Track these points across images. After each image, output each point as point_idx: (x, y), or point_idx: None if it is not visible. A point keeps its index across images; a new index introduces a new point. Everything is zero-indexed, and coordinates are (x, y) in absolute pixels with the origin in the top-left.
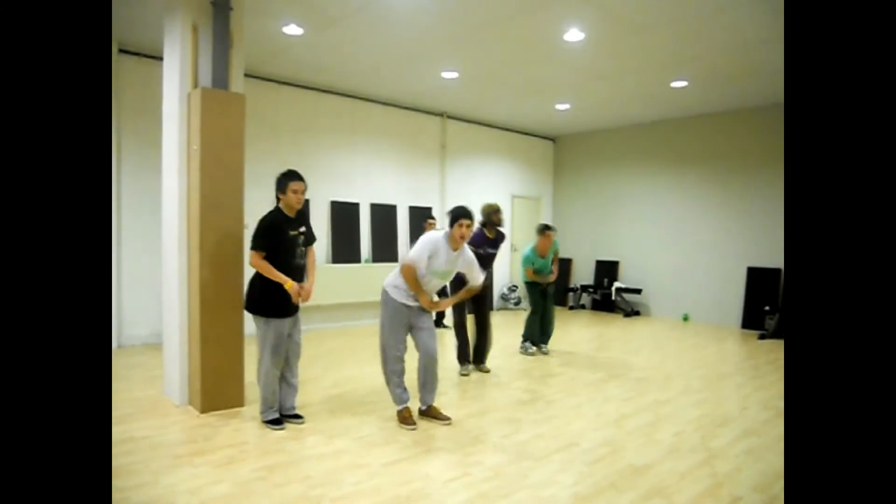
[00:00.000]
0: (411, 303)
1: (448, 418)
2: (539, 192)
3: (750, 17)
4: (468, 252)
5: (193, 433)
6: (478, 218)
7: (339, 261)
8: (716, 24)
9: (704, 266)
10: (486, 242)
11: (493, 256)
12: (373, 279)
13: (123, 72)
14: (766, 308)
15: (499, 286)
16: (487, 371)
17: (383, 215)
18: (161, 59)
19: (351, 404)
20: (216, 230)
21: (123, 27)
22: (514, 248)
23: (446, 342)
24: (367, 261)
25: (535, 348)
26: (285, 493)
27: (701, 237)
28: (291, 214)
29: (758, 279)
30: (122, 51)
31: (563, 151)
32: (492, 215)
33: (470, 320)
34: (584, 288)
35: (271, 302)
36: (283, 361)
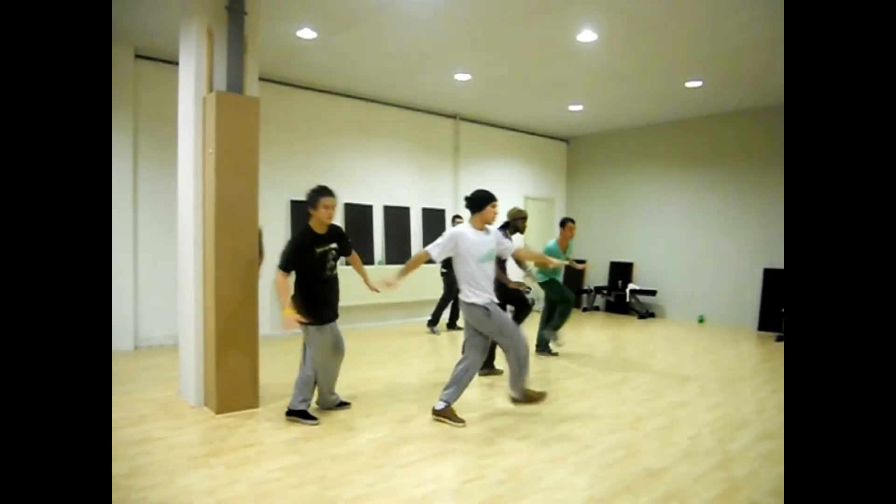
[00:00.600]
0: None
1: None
2: (552, 193)
3: (764, 15)
4: (492, 229)
5: (209, 434)
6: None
7: None
8: (730, 24)
9: (720, 267)
10: None
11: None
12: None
13: (140, 77)
14: (784, 310)
15: None
16: (500, 373)
17: (397, 217)
18: (177, 63)
19: (365, 406)
20: (231, 232)
21: (140, 33)
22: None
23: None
24: (380, 263)
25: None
26: (300, 493)
27: (716, 238)
28: (321, 230)
29: (774, 280)
30: (138, 56)
31: (576, 152)
32: (518, 221)
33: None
34: (598, 290)
35: (311, 311)
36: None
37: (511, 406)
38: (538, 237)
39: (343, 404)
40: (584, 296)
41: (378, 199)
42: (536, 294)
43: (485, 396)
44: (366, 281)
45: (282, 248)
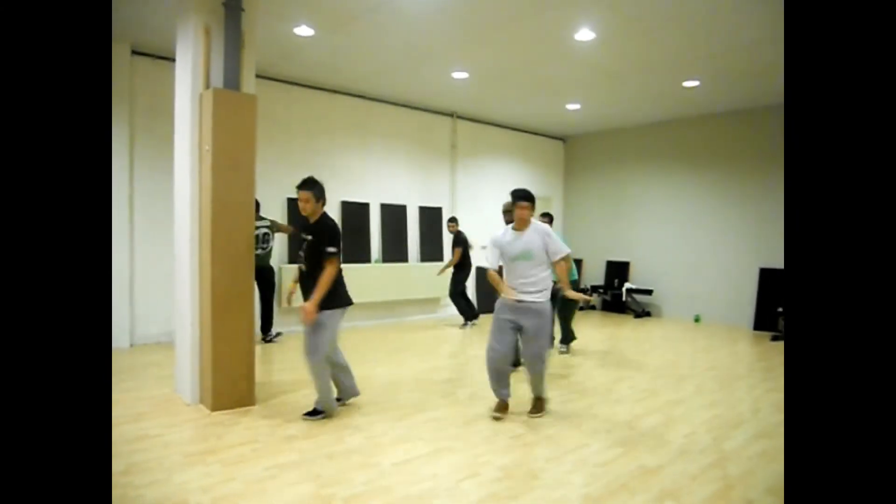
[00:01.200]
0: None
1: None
2: (549, 192)
3: (761, 15)
4: (539, 226)
5: (205, 431)
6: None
7: (350, 261)
8: (727, 23)
9: (716, 267)
10: None
11: None
12: (383, 279)
13: (137, 73)
14: (780, 310)
15: None
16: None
17: (394, 215)
18: (174, 60)
19: (362, 404)
20: (228, 229)
21: (137, 29)
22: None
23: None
24: (377, 261)
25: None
26: (296, 491)
27: (713, 237)
28: (309, 219)
29: (770, 280)
30: (135, 52)
31: (573, 151)
32: (505, 215)
33: None
34: (595, 288)
35: (343, 291)
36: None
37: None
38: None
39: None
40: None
41: (375, 197)
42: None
43: (479, 395)
44: (315, 296)
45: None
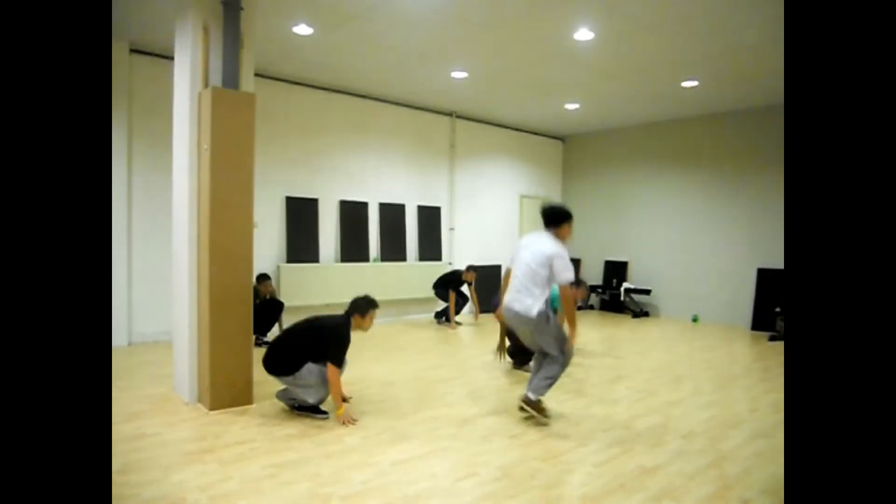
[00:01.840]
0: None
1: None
2: (548, 192)
3: (760, 16)
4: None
5: (203, 430)
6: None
7: (348, 260)
8: (726, 24)
9: (714, 267)
10: None
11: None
12: (381, 278)
13: (135, 71)
14: (777, 309)
15: None
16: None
17: (392, 215)
18: (172, 58)
19: (360, 403)
20: (226, 229)
21: (135, 27)
22: None
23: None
24: (375, 260)
25: None
26: (294, 490)
27: (711, 238)
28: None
29: (768, 280)
30: (133, 51)
31: (572, 151)
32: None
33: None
34: (593, 288)
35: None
36: None
37: (506, 404)
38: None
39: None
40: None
41: (374, 197)
42: None
43: (478, 395)
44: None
45: (332, 342)
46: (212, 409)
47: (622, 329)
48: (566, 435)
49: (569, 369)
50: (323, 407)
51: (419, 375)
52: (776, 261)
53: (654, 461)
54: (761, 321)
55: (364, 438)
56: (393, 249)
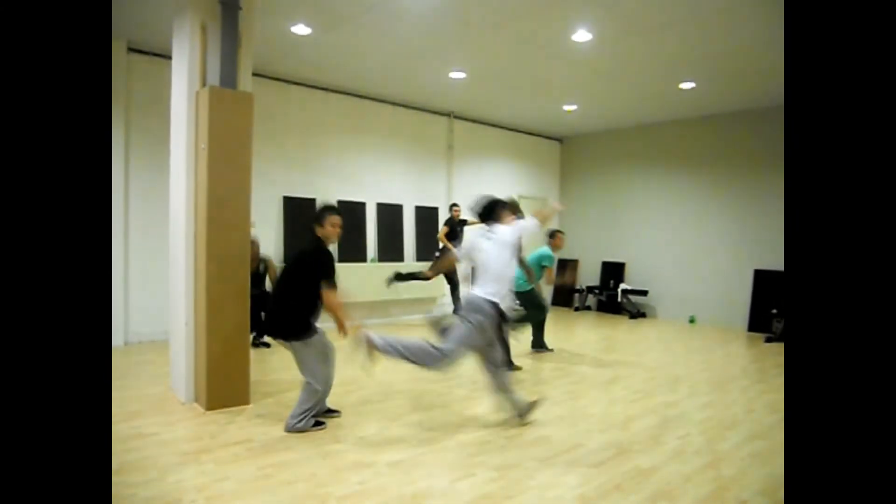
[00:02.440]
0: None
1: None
2: (545, 192)
3: (758, 17)
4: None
5: (200, 430)
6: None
7: (345, 260)
8: (724, 25)
9: (711, 268)
10: None
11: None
12: (379, 278)
13: (133, 70)
14: (774, 311)
15: None
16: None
17: (390, 215)
18: (170, 57)
19: (356, 404)
20: (223, 228)
21: (133, 26)
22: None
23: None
24: (373, 260)
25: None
26: (291, 491)
27: (708, 239)
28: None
29: (765, 282)
30: (131, 49)
31: (569, 152)
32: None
33: None
34: (590, 289)
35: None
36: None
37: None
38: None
39: (331, 412)
40: (576, 295)
41: (371, 197)
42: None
43: (474, 395)
44: None
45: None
46: (208, 408)
47: (619, 330)
48: (563, 436)
49: (566, 369)
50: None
51: (416, 375)
52: (773, 262)
53: (651, 462)
54: (758, 323)
55: (361, 438)
56: (390, 250)
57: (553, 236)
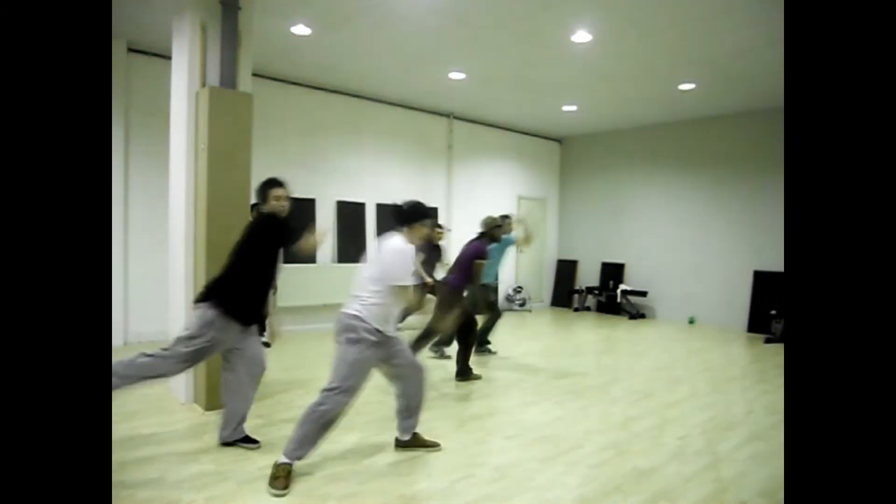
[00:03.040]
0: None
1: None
2: (545, 193)
3: (758, 19)
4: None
5: (199, 430)
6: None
7: (345, 260)
8: (724, 26)
9: (711, 269)
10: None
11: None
12: None
13: (133, 71)
14: (773, 312)
15: (504, 287)
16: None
17: (389, 215)
18: (170, 58)
19: (357, 405)
20: (223, 228)
21: (133, 26)
22: (519, 250)
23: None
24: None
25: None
26: (290, 491)
27: (708, 240)
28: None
29: (764, 283)
30: (131, 50)
31: (569, 153)
32: (494, 230)
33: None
34: (590, 290)
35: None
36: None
37: (503, 405)
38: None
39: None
40: (576, 296)
41: (371, 197)
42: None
43: (474, 396)
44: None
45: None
46: (208, 409)
47: (618, 331)
48: (563, 436)
49: (565, 371)
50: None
51: None
52: (772, 264)
53: (651, 463)
54: (757, 323)
55: (361, 439)
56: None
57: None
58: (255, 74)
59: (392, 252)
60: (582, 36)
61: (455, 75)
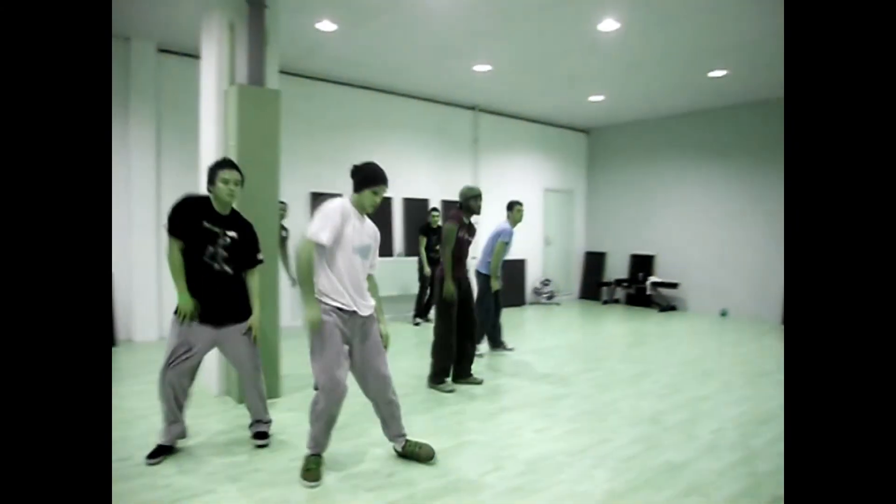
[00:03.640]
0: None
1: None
2: (572, 185)
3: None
4: (371, 224)
5: (231, 423)
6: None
7: None
8: (756, 9)
9: (744, 260)
10: (463, 227)
11: (469, 244)
12: (406, 272)
13: (163, 70)
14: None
15: (531, 280)
16: (479, 382)
17: (416, 210)
18: (199, 57)
19: None
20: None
21: (163, 27)
22: (548, 242)
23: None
24: (399, 255)
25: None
26: (322, 482)
27: (741, 230)
28: (222, 210)
29: None
30: (161, 50)
31: (596, 144)
32: (470, 200)
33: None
34: (619, 282)
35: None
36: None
37: (531, 399)
38: (557, 229)
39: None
40: (604, 288)
41: (397, 192)
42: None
43: (502, 390)
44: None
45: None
46: (240, 402)
47: (648, 323)
48: (592, 430)
49: (594, 364)
50: None
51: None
52: None
53: (682, 457)
54: None
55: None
56: (417, 244)
57: (510, 208)
58: (281, 71)
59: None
60: (609, 24)
61: (480, 67)
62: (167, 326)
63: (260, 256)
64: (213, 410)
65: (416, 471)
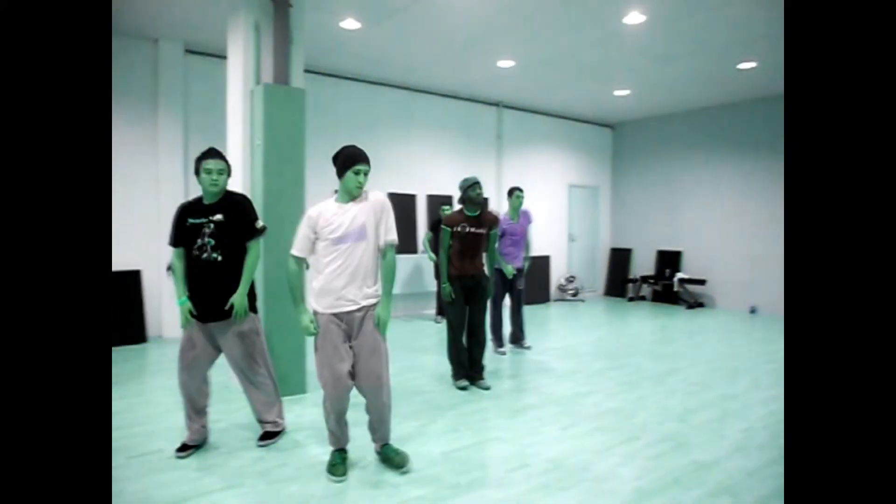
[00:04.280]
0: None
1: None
2: (597, 180)
3: None
4: (363, 204)
5: None
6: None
7: (397, 252)
8: None
9: (773, 256)
10: (465, 221)
11: (477, 236)
12: (429, 269)
13: (190, 71)
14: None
15: (556, 276)
16: (487, 388)
17: (440, 206)
18: (225, 57)
19: (410, 393)
20: (279, 221)
21: (190, 29)
22: (572, 238)
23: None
24: (423, 252)
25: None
26: (347, 477)
27: (769, 226)
28: (209, 200)
29: None
30: (188, 51)
31: (621, 139)
32: (467, 191)
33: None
34: (645, 279)
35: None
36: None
37: (556, 395)
38: (582, 225)
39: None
40: (630, 285)
41: (421, 189)
42: (580, 284)
43: (527, 386)
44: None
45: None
46: None
47: (675, 320)
48: (618, 427)
49: (622, 360)
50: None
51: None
52: None
53: (711, 456)
54: None
55: (416, 428)
56: (433, 241)
57: (510, 194)
58: (306, 70)
59: None
60: (635, 17)
61: (503, 63)
62: None
63: (259, 224)
64: (240, 406)
65: (439, 468)
